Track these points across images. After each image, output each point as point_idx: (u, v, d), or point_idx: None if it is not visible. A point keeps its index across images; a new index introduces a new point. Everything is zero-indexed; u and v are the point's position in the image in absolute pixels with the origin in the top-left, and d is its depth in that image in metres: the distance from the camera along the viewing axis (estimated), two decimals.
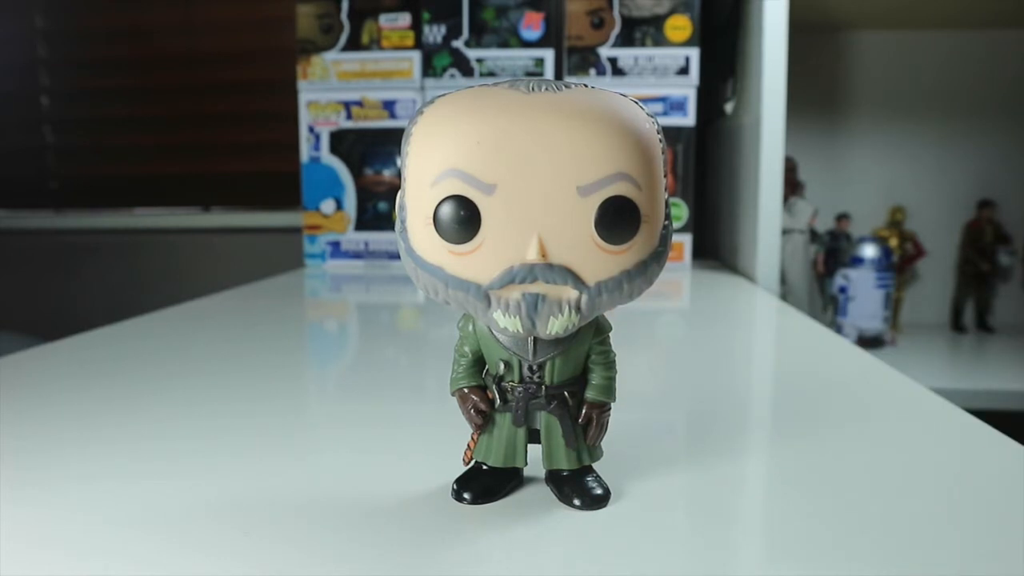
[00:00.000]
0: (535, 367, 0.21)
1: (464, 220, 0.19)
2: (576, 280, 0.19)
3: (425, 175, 0.19)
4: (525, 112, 0.19)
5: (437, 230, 0.19)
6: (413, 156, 0.19)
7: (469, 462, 0.23)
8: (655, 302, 0.64)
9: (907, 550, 0.19)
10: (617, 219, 0.19)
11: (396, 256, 0.84)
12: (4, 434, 0.29)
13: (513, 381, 0.21)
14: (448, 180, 0.19)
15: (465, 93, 0.20)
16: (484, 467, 0.23)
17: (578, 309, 0.19)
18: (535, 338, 0.21)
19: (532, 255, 0.19)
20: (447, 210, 0.19)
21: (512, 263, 0.19)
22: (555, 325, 0.19)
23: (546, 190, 0.18)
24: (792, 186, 0.93)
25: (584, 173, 0.18)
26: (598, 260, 0.19)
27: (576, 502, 0.22)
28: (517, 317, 0.19)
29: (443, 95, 0.20)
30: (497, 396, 0.22)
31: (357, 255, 0.86)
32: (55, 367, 0.41)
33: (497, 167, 0.18)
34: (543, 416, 0.22)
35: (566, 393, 0.21)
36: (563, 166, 0.18)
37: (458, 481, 0.23)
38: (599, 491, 0.22)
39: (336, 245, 0.86)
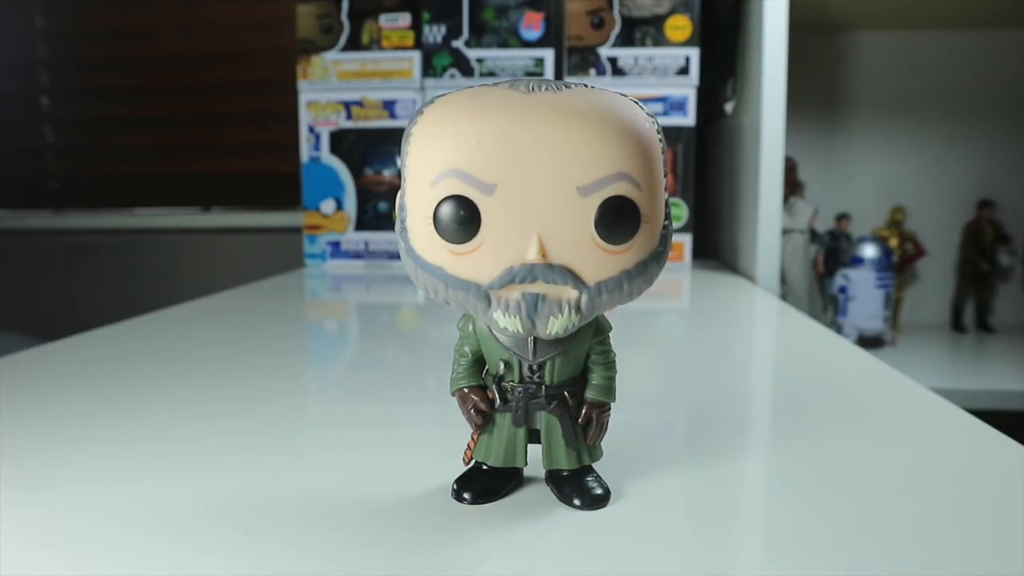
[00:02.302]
0: (535, 367, 0.21)
1: (464, 220, 0.18)
2: (576, 280, 0.19)
3: (425, 175, 0.19)
4: (525, 112, 0.19)
5: (437, 230, 0.19)
6: (413, 156, 0.19)
7: (469, 462, 0.23)
8: (655, 302, 0.64)
9: (907, 550, 0.19)
10: (617, 219, 0.19)
11: (396, 256, 0.85)
12: (4, 434, 0.29)
13: (513, 381, 0.21)
14: (448, 180, 0.19)
15: (465, 93, 0.20)
16: (484, 467, 0.23)
17: (578, 309, 0.19)
18: (535, 338, 0.21)
19: (532, 255, 0.19)
20: (447, 210, 0.19)
21: (512, 263, 0.19)
22: (555, 325, 0.19)
23: (546, 190, 0.18)
24: (792, 186, 0.93)
25: (584, 173, 0.18)
26: (598, 260, 0.19)
27: (576, 502, 0.22)
28: (517, 317, 0.19)
29: (443, 95, 0.20)
30: (497, 396, 0.22)
31: (357, 255, 0.86)
32: (55, 367, 0.41)
33: (497, 167, 0.18)
34: (543, 416, 0.22)
35: (566, 393, 0.21)
36: (563, 166, 0.18)
37: (458, 481, 0.23)
38: (599, 491, 0.22)
39: (336, 245, 0.86)
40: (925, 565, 0.18)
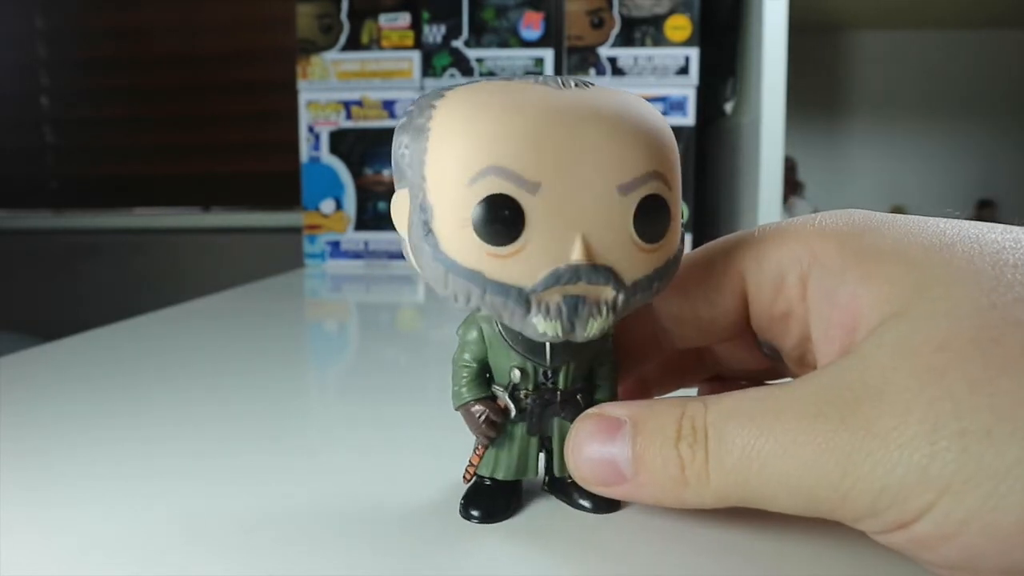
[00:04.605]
0: (549, 372, 0.20)
1: (508, 221, 0.17)
2: (616, 280, 0.18)
3: (459, 173, 0.18)
4: (565, 109, 0.18)
5: (478, 232, 0.18)
6: (436, 152, 0.18)
7: (471, 480, 0.22)
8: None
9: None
10: (654, 218, 0.18)
11: (396, 256, 0.85)
12: (3, 435, 0.29)
13: (527, 388, 0.20)
14: (489, 178, 0.17)
15: (490, 87, 0.19)
16: (487, 482, 0.21)
17: (614, 309, 0.18)
18: (551, 343, 0.20)
19: (577, 256, 0.18)
20: (490, 210, 0.17)
21: (556, 265, 0.18)
22: (594, 327, 0.18)
23: (588, 188, 0.18)
24: (792, 186, 0.93)
25: (624, 171, 0.18)
26: (635, 259, 0.19)
27: (588, 504, 0.21)
28: (558, 321, 0.18)
29: (454, 88, 0.19)
30: (511, 406, 0.21)
31: (357, 255, 0.86)
32: (55, 367, 0.41)
33: (540, 165, 0.17)
34: (556, 423, 0.21)
35: (578, 397, 0.21)
36: (604, 164, 0.18)
37: (466, 498, 0.21)
38: None
39: (336, 245, 0.86)
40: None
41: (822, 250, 0.19)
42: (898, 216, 0.19)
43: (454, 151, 0.18)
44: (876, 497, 0.15)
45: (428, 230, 0.18)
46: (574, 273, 0.18)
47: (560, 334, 0.18)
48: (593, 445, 0.19)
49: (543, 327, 0.18)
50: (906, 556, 0.17)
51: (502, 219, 0.17)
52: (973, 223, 0.19)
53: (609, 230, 0.18)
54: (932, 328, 0.16)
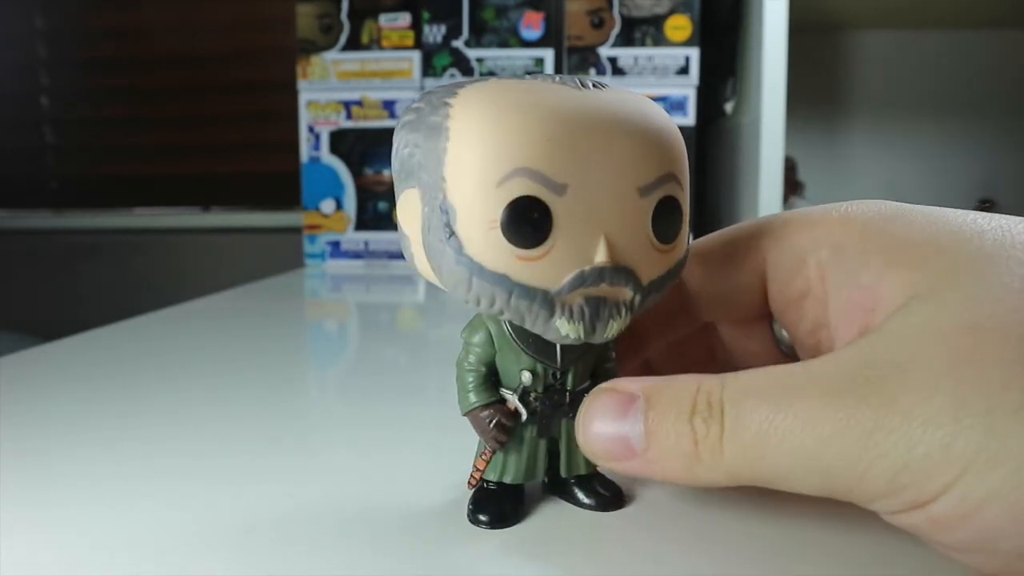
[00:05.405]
0: (558, 374, 0.20)
1: (537, 223, 0.17)
2: (635, 281, 0.18)
3: (486, 174, 0.17)
4: (588, 110, 0.18)
5: (506, 234, 0.17)
6: (459, 152, 0.18)
7: (476, 485, 0.21)
8: None
9: (910, 547, 0.19)
10: (670, 219, 0.19)
11: (396, 256, 0.85)
12: (3, 435, 0.29)
13: (537, 391, 0.20)
14: (518, 179, 0.17)
15: (509, 85, 0.19)
16: (492, 486, 0.21)
17: (631, 310, 0.19)
18: (562, 344, 0.20)
19: (601, 257, 0.18)
20: (520, 212, 0.17)
21: (580, 267, 0.18)
22: (613, 328, 0.18)
23: (611, 190, 0.18)
24: (792, 186, 0.93)
25: (644, 174, 0.18)
26: (652, 260, 0.19)
27: (591, 502, 0.21)
28: (581, 323, 0.18)
29: (467, 84, 0.19)
30: (522, 408, 0.20)
31: (357, 255, 0.86)
32: (55, 367, 0.41)
33: (567, 166, 0.17)
34: (563, 424, 0.21)
35: (585, 397, 0.21)
36: (626, 166, 0.18)
37: (474, 503, 0.21)
38: (613, 491, 0.22)
39: (336, 245, 0.86)
40: (926, 565, 0.18)
41: (846, 234, 0.19)
42: (925, 207, 0.19)
43: (480, 151, 0.17)
44: (896, 475, 0.15)
45: (450, 232, 0.18)
46: (599, 275, 0.18)
47: (582, 336, 0.18)
48: (605, 419, 0.19)
49: (566, 329, 0.18)
50: (918, 538, 0.16)
51: (532, 221, 0.17)
52: (999, 215, 0.19)
53: (629, 231, 0.18)
54: (961, 310, 0.16)
